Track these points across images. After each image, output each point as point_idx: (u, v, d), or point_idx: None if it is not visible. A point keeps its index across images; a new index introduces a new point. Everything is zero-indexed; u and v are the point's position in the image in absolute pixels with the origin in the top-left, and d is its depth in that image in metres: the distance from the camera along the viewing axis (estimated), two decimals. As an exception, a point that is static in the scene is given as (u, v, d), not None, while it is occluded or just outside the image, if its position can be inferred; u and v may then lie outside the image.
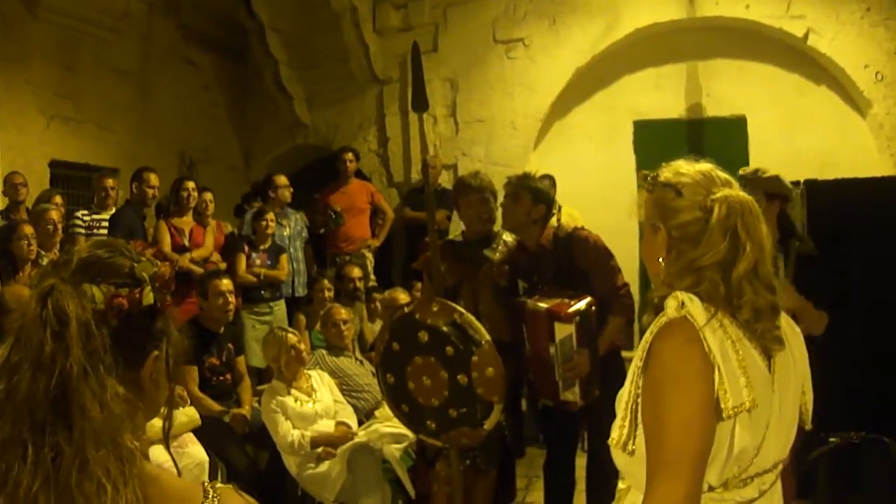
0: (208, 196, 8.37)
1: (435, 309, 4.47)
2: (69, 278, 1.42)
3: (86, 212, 7.80)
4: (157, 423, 1.60)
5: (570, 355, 4.58)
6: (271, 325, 7.43)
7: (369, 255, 9.45)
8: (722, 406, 1.88)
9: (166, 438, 1.60)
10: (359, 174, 10.27)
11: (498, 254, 5.17)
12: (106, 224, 7.63)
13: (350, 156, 9.83)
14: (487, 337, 4.34)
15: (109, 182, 8.00)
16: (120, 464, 1.33)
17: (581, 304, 4.61)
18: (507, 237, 5.28)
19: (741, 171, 4.58)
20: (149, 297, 1.47)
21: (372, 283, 9.05)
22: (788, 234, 4.57)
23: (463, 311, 4.44)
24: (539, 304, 4.70)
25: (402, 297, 7.05)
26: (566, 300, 4.65)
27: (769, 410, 1.99)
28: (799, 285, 4.23)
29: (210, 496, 1.44)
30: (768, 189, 4.47)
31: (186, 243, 7.85)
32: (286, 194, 8.98)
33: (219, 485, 1.47)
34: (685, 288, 1.99)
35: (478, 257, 5.16)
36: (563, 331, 4.55)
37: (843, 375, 4.22)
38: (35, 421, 1.32)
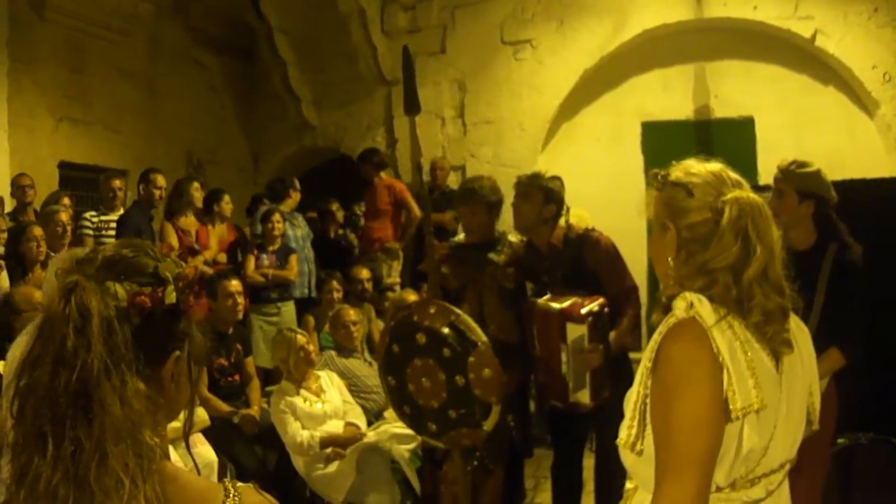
0: (227, 198, 8.42)
1: (432, 311, 4.48)
2: (93, 275, 1.44)
3: (94, 213, 7.83)
4: (175, 423, 1.61)
5: (581, 353, 4.58)
6: (279, 325, 7.44)
7: (385, 258, 9.41)
8: (730, 407, 1.88)
9: (186, 439, 1.61)
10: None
11: (503, 256, 5.16)
12: (114, 225, 7.65)
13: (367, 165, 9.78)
14: (484, 338, 4.35)
15: (117, 183, 8.02)
16: (139, 459, 1.35)
17: (594, 305, 4.61)
18: (513, 238, 5.27)
19: (779, 163, 4.32)
20: (171, 297, 1.48)
21: (394, 282, 9.07)
22: (828, 237, 4.23)
23: (460, 312, 4.45)
24: (551, 304, 4.69)
25: (412, 298, 7.05)
26: (578, 300, 4.65)
27: (777, 411, 1.99)
28: (833, 293, 4.08)
29: (231, 495, 1.44)
30: (800, 187, 4.19)
31: (195, 245, 7.87)
32: (298, 197, 9.02)
33: (239, 484, 1.48)
34: (697, 289, 1.99)
35: (482, 260, 5.15)
36: (575, 331, 4.55)
37: (851, 377, 4.20)
38: (56, 414, 1.33)
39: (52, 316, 1.39)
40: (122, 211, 7.93)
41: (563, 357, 4.60)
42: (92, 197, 8.79)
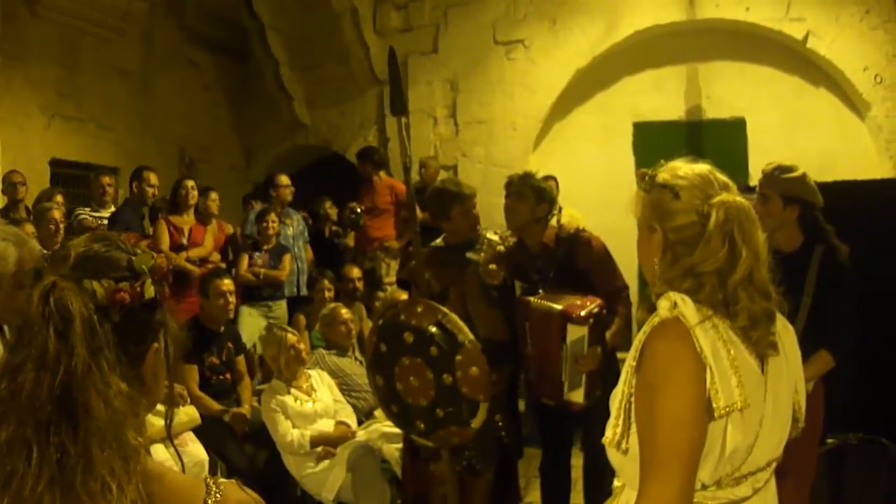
0: (213, 195, 8.40)
1: (419, 310, 4.50)
2: (69, 274, 1.41)
3: (87, 209, 7.83)
4: (157, 422, 1.60)
5: (579, 356, 4.58)
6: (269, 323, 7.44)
7: (384, 257, 9.37)
8: (714, 405, 1.89)
9: (169, 435, 1.60)
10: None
11: (483, 254, 5.15)
12: (106, 222, 7.66)
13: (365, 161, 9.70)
14: (471, 336, 4.36)
15: (106, 180, 8.06)
16: (124, 462, 1.33)
17: (594, 306, 4.61)
18: (492, 236, 5.27)
19: (763, 168, 4.32)
20: (150, 291, 1.46)
21: (392, 282, 9.04)
22: (814, 239, 4.23)
23: (447, 311, 4.47)
24: (551, 304, 4.68)
25: (404, 297, 7.06)
26: (577, 301, 4.64)
27: (762, 410, 2.00)
28: (820, 295, 4.10)
29: (212, 492, 1.43)
30: (784, 192, 4.18)
31: (185, 242, 7.86)
32: (286, 194, 8.95)
33: (221, 480, 1.47)
34: (685, 291, 1.99)
35: (462, 261, 5.15)
36: (575, 332, 4.54)
37: (841, 378, 4.21)
38: (39, 421, 1.31)
39: (31, 319, 1.37)
40: (112, 208, 7.95)
41: (562, 357, 4.60)
42: (84, 194, 8.80)
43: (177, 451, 1.79)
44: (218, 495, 1.44)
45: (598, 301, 4.68)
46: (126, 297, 1.42)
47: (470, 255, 5.13)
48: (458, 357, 4.32)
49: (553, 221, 5.19)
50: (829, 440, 4.89)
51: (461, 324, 4.40)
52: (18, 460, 1.31)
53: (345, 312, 6.74)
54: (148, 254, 1.50)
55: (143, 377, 1.47)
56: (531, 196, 5.03)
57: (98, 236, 1.53)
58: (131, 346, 1.44)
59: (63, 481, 1.30)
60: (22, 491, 1.29)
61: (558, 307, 4.63)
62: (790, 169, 4.24)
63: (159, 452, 2.32)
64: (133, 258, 1.48)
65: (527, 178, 5.17)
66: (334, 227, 9.99)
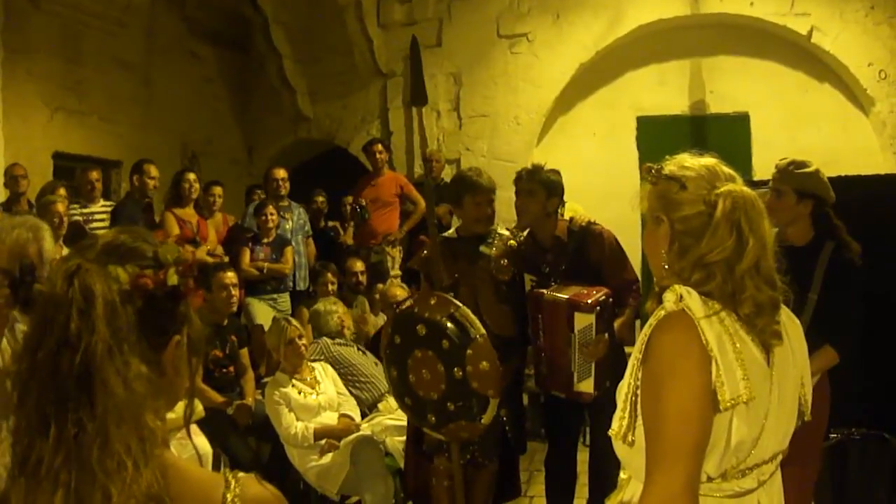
0: (218, 190, 8.40)
1: (433, 303, 4.51)
2: (94, 259, 1.43)
3: (76, 206, 7.83)
4: (170, 414, 1.60)
5: (588, 345, 4.60)
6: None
7: (389, 249, 9.37)
8: (719, 398, 1.89)
9: (187, 426, 1.60)
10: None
11: (494, 249, 5.14)
12: (98, 217, 7.76)
13: (379, 147, 9.67)
14: (482, 331, 4.36)
15: (93, 175, 8.10)
16: (141, 442, 1.34)
17: (600, 295, 4.64)
18: (503, 231, 5.27)
19: (777, 163, 4.35)
20: (173, 279, 1.47)
21: (397, 274, 9.06)
22: (825, 234, 4.25)
23: (460, 305, 4.47)
24: (558, 294, 4.71)
25: (399, 292, 7.08)
26: (583, 291, 4.67)
27: (767, 403, 2.00)
28: (828, 290, 4.12)
29: (231, 486, 1.44)
30: (798, 187, 4.20)
31: (195, 236, 7.87)
32: (280, 187, 8.94)
33: (240, 474, 1.47)
34: (695, 282, 2.00)
35: (474, 254, 5.14)
36: (583, 321, 4.58)
37: (845, 372, 4.21)
38: (58, 397, 1.32)
39: (54, 299, 1.38)
40: (101, 202, 8.04)
41: (571, 346, 4.62)
42: (86, 187, 8.79)
43: (195, 446, 1.78)
44: (238, 489, 1.44)
45: (605, 290, 4.70)
46: (149, 282, 1.43)
47: (483, 248, 5.13)
48: (469, 351, 4.32)
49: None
50: (833, 434, 4.89)
51: (473, 318, 4.41)
52: (37, 436, 1.32)
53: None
54: (174, 246, 1.52)
55: (163, 368, 1.48)
56: (541, 192, 5.04)
57: (125, 229, 1.55)
58: (153, 335, 1.45)
59: (79, 458, 1.31)
60: (39, 468, 1.31)
61: (565, 297, 4.65)
62: (804, 164, 4.27)
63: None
64: (159, 249, 1.50)
65: (535, 172, 5.14)
66: (332, 223, 9.98)
